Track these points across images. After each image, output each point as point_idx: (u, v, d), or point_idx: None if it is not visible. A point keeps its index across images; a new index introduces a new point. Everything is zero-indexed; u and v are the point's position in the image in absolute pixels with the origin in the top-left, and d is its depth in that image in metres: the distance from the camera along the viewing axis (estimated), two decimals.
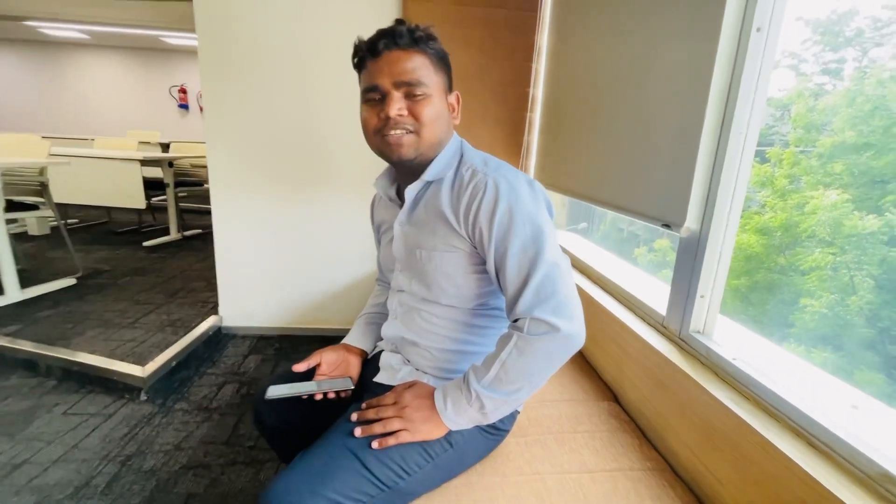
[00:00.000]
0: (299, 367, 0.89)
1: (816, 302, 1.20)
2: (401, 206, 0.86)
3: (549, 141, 1.92)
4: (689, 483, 0.85)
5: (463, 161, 0.81)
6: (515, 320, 0.71)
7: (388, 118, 0.74)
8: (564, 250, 1.77)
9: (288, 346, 2.24)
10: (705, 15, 0.89)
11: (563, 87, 1.76)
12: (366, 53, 0.77)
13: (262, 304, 2.32)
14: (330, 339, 2.33)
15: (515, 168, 0.80)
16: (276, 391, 0.83)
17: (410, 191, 0.82)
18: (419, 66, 0.74)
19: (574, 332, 0.69)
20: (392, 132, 0.75)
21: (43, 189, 2.65)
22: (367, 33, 0.79)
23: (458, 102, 0.85)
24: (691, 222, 0.94)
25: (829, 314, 1.17)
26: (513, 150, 2.13)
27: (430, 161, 0.81)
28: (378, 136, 0.77)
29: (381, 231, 0.98)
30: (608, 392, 1.18)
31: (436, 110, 0.76)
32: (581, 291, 1.38)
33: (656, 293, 1.18)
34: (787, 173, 1.33)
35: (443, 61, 0.80)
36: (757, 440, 0.69)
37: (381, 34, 0.75)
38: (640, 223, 1.69)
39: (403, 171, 0.85)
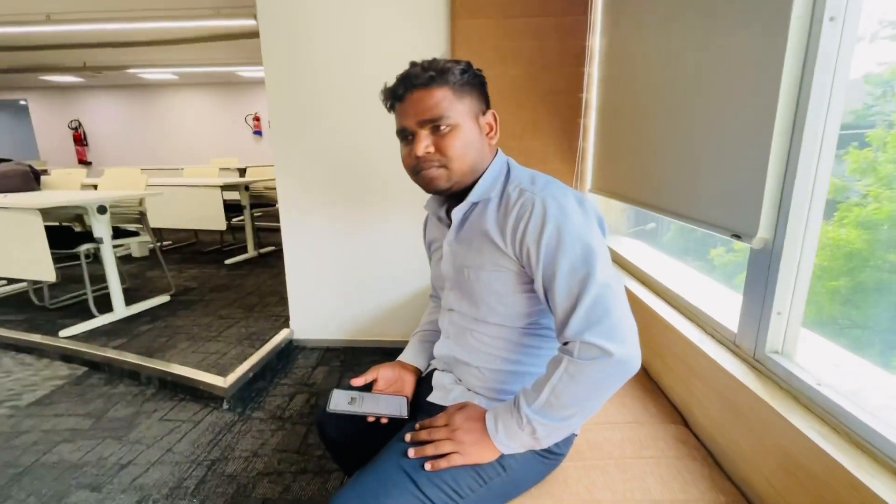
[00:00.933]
0: (357, 382, 0.93)
1: None
2: (449, 225, 0.87)
3: (606, 146, 1.85)
4: None
5: (510, 180, 0.81)
6: (566, 343, 0.70)
7: (418, 157, 0.77)
8: (621, 264, 1.71)
9: (351, 358, 2.34)
10: (771, 5, 0.82)
11: (618, 89, 1.69)
12: (392, 99, 0.80)
13: (328, 318, 2.44)
14: (389, 350, 2.42)
15: (565, 184, 0.78)
16: (336, 404, 0.87)
17: (457, 212, 0.83)
18: (440, 100, 0.75)
19: (628, 356, 0.66)
20: (424, 171, 0.79)
21: (142, 217, 3.01)
22: (418, 53, 0.85)
23: (496, 120, 0.84)
24: (764, 231, 0.86)
25: None
26: (567, 157, 2.09)
27: (472, 183, 0.82)
28: (413, 173, 0.82)
29: (431, 249, 1.01)
30: (676, 414, 1.10)
31: (464, 140, 0.77)
32: (643, 305, 1.31)
33: (727, 307, 1.09)
34: (893, 157, 1.18)
35: (469, 85, 0.78)
36: (847, 479, 0.62)
37: (401, 79, 0.78)
38: None
39: (449, 195, 0.87)
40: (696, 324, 1.14)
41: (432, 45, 2.06)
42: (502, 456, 0.76)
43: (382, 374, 0.95)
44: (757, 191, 0.86)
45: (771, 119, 0.82)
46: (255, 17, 4.05)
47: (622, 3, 1.63)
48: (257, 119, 8.34)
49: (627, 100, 1.58)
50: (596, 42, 1.94)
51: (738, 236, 0.94)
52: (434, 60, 0.78)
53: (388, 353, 2.38)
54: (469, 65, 0.80)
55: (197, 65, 6.48)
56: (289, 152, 2.23)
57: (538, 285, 0.74)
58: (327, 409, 0.87)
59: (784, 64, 0.79)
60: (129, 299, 2.85)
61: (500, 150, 0.86)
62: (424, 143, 0.76)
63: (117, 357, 2.20)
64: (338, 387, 0.93)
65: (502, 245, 0.76)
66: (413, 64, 0.78)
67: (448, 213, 0.89)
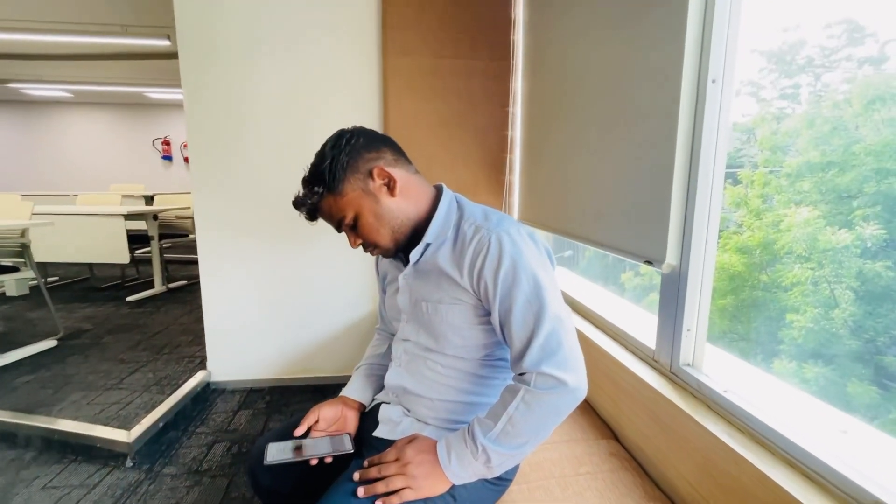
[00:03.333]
0: (299, 431, 0.88)
1: (801, 317, 1.22)
2: (405, 263, 0.88)
3: (530, 179, 1.99)
4: None
5: (464, 217, 0.83)
6: (521, 374, 0.73)
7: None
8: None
9: (279, 398, 2.18)
10: (667, 67, 0.97)
11: (539, 128, 1.85)
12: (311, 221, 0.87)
13: (251, 356, 2.27)
14: (320, 387, 2.30)
15: (515, 220, 0.83)
16: (274, 455, 0.82)
17: (415, 253, 0.85)
18: (329, 209, 0.82)
19: (579, 384, 0.71)
20: (370, 254, 0.89)
21: (24, 250, 2.62)
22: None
23: (386, 173, 0.80)
24: (671, 258, 0.98)
25: (816, 328, 1.19)
26: (495, 188, 2.20)
27: (421, 225, 0.84)
28: None
29: (386, 282, 1.00)
30: (607, 429, 1.18)
31: (369, 220, 0.81)
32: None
33: (645, 326, 1.21)
34: (759, 193, 1.37)
35: (340, 173, 0.78)
36: (754, 473, 0.70)
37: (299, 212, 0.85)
38: None
39: None
40: (619, 342, 1.25)
41: (365, 80, 2.10)
42: (453, 487, 0.76)
43: (323, 414, 0.91)
44: (663, 222, 0.98)
45: (671, 159, 0.95)
46: (168, 37, 3.85)
47: (541, 52, 1.81)
48: (167, 143, 7.74)
49: (548, 138, 1.73)
50: (518, 84, 2.11)
51: (650, 262, 1.05)
52: (304, 182, 0.83)
53: (319, 390, 2.26)
54: (333, 150, 0.79)
55: (96, 83, 5.90)
56: (208, 178, 2.10)
57: (494, 318, 0.77)
58: (264, 462, 0.81)
59: (679, 115, 0.93)
60: (4, 346, 2.42)
61: (444, 186, 0.89)
62: (351, 239, 0.85)
63: None
64: (268, 440, 0.87)
65: (459, 279, 0.79)
66: (294, 202, 0.84)
67: (403, 251, 0.90)
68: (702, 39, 0.89)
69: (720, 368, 0.95)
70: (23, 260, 2.65)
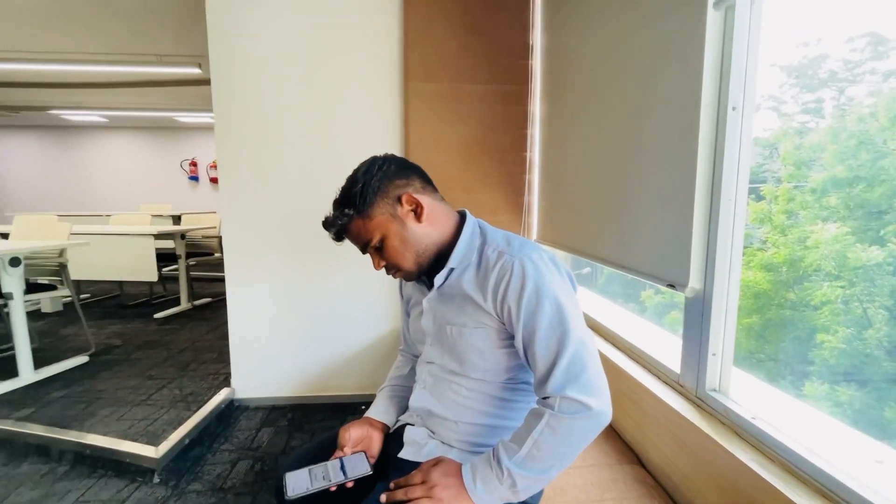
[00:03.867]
0: (343, 452, 0.90)
1: (833, 337, 1.19)
2: (429, 286, 0.91)
3: (549, 201, 2.01)
4: None
5: (487, 242, 0.86)
6: (545, 397, 0.74)
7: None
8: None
9: (300, 416, 2.21)
10: (685, 95, 0.98)
11: (557, 150, 1.87)
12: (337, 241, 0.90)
13: (275, 374, 2.31)
14: (340, 406, 2.32)
15: (537, 245, 0.85)
16: (294, 488, 0.82)
17: (439, 278, 0.87)
18: (357, 231, 0.85)
19: (604, 409, 0.71)
20: (393, 276, 0.90)
21: (61, 269, 2.74)
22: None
23: (414, 200, 0.83)
24: (695, 282, 0.98)
25: (848, 349, 1.16)
26: (515, 209, 2.23)
27: (445, 250, 0.87)
28: None
29: (409, 305, 1.02)
30: (630, 454, 1.16)
31: (395, 244, 0.84)
32: None
33: (669, 349, 1.20)
34: (783, 209, 1.35)
35: (371, 197, 0.82)
36: (785, 503, 0.69)
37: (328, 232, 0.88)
38: None
39: None
40: (642, 365, 1.24)
41: (387, 105, 2.17)
42: None
43: (351, 434, 0.93)
44: (685, 245, 0.99)
45: (692, 184, 0.97)
46: (199, 65, 4.05)
47: (559, 76, 1.85)
48: (194, 164, 8.04)
49: (566, 160, 1.76)
50: (536, 107, 2.15)
51: (672, 286, 1.06)
52: (335, 204, 0.86)
53: (339, 408, 2.27)
54: (365, 175, 0.83)
55: (131, 108, 6.21)
56: (236, 199, 2.18)
57: (518, 342, 0.78)
58: (286, 496, 0.81)
59: (698, 142, 0.95)
60: (39, 362, 2.52)
61: (467, 212, 0.92)
62: (375, 261, 0.88)
63: (20, 430, 1.92)
64: (290, 466, 0.88)
65: (483, 303, 0.81)
66: (324, 223, 0.87)
67: (427, 275, 0.92)
68: (720, 68, 0.91)
69: (747, 393, 0.94)
70: (60, 278, 2.77)
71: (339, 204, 0.85)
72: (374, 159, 0.86)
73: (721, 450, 0.83)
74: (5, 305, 2.35)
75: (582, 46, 1.60)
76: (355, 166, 0.88)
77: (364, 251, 0.88)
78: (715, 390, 0.96)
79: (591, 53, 1.52)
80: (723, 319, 0.96)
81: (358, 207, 0.82)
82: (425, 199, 0.85)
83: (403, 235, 0.84)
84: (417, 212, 0.84)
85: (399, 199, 0.84)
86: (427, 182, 0.88)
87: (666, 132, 1.07)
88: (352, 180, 0.85)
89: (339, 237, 0.88)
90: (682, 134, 1.00)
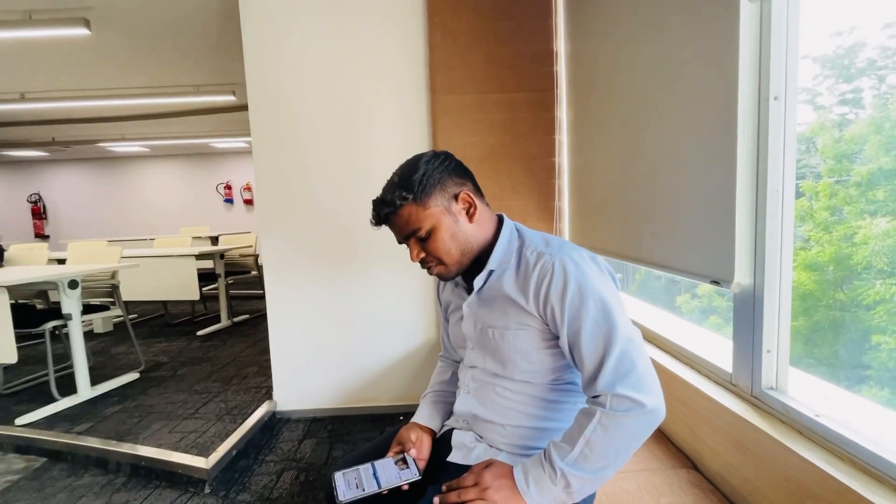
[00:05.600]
0: (396, 454, 0.91)
1: (891, 339, 1.13)
2: (468, 290, 0.92)
3: (581, 204, 2.00)
4: None
5: (526, 244, 0.86)
6: (595, 396, 0.73)
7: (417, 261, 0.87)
8: None
9: (340, 427, 2.24)
10: (722, 87, 0.97)
11: (587, 153, 1.86)
12: (377, 226, 0.89)
13: (314, 386, 2.36)
14: (379, 416, 2.34)
15: (575, 245, 0.85)
16: (345, 493, 0.82)
17: (478, 281, 0.88)
18: (408, 218, 0.83)
19: (657, 405, 0.70)
20: (429, 271, 0.88)
21: (114, 290, 2.90)
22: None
23: (470, 199, 0.85)
24: (741, 277, 0.96)
25: None
26: (545, 215, 2.22)
27: (483, 252, 0.87)
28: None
29: (449, 311, 1.02)
30: (684, 458, 1.12)
31: (444, 237, 0.84)
32: None
33: (717, 348, 1.16)
34: (825, 205, 1.30)
35: (430, 187, 0.82)
36: (859, 502, 0.66)
37: (373, 213, 0.87)
38: None
39: None
40: (690, 366, 1.20)
41: (415, 119, 2.22)
42: None
43: (404, 437, 0.94)
44: (728, 240, 0.96)
45: (732, 177, 0.94)
46: (233, 92, 4.26)
47: (586, 80, 1.85)
48: (229, 188, 8.38)
49: (598, 162, 1.74)
50: (563, 113, 2.16)
51: (717, 282, 1.03)
52: (392, 186, 0.85)
53: (377, 419, 2.29)
54: (427, 164, 0.83)
55: (170, 137, 6.57)
56: (273, 218, 2.27)
57: (563, 342, 0.78)
58: (337, 501, 0.81)
59: (738, 133, 0.93)
60: (94, 379, 2.66)
61: (505, 216, 0.93)
62: (415, 252, 0.86)
63: (80, 443, 2.02)
64: (340, 466, 0.89)
65: (525, 305, 0.81)
66: (373, 203, 0.86)
67: (465, 278, 0.94)
68: (759, 56, 0.90)
69: (807, 391, 0.90)
70: (112, 300, 2.93)
71: (398, 186, 0.83)
72: (436, 152, 0.88)
73: (784, 450, 0.80)
74: (64, 326, 2.50)
75: (607, 48, 1.60)
76: (387, 177, 0.87)
77: (405, 241, 0.86)
78: (772, 388, 0.93)
79: (617, 54, 1.52)
80: (776, 314, 0.92)
81: (416, 194, 0.82)
82: (477, 201, 0.87)
83: (454, 230, 0.84)
84: (470, 211, 0.86)
85: (456, 196, 0.85)
86: (477, 187, 0.90)
87: (701, 126, 1.06)
88: (412, 167, 0.84)
89: (385, 220, 0.86)
90: (719, 127, 0.98)
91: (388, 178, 0.88)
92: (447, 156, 0.88)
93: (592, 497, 0.88)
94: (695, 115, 1.08)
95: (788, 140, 0.89)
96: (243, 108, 2.27)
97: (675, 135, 1.17)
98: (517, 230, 0.91)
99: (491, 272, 0.88)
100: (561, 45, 2.14)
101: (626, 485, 1.01)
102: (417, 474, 0.87)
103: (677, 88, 1.15)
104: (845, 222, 1.23)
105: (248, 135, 2.26)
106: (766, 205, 0.91)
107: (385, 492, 0.84)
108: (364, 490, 0.83)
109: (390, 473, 0.87)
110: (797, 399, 0.88)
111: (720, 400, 0.99)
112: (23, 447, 2.10)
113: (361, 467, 0.88)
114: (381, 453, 0.93)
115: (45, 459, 2.04)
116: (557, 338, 0.80)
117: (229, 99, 4.34)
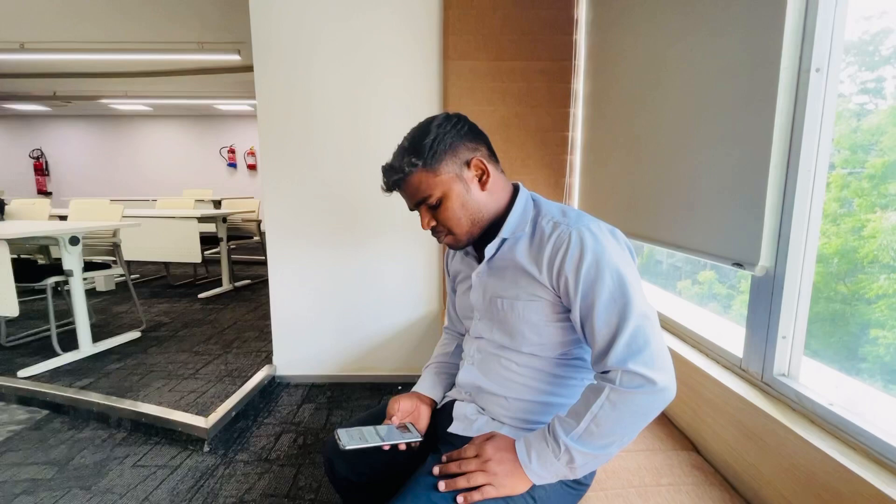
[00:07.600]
0: (394, 420, 0.90)
1: (890, 333, 1.12)
2: (478, 259, 0.88)
3: (592, 181, 1.94)
4: None
5: (542, 213, 0.83)
6: (605, 372, 0.71)
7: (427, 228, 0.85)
8: None
9: (339, 394, 2.25)
10: (761, 56, 0.91)
11: (603, 128, 1.80)
12: (387, 192, 0.86)
13: (314, 353, 2.36)
14: (378, 385, 2.35)
15: (594, 217, 0.81)
16: (348, 441, 0.82)
17: (490, 248, 0.84)
18: (418, 184, 0.80)
19: (668, 384, 0.67)
20: (438, 239, 0.87)
21: (115, 248, 2.88)
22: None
23: (483, 166, 0.82)
24: (765, 260, 0.92)
25: None
26: (555, 192, 2.16)
27: (496, 221, 0.84)
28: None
29: (457, 280, 0.99)
30: (686, 441, 1.12)
31: (454, 205, 0.81)
32: None
33: (727, 333, 1.14)
34: (836, 196, 1.27)
35: (441, 153, 0.79)
36: (872, 494, 0.64)
37: (384, 179, 0.84)
38: (680, 255, 1.65)
39: None
40: (697, 349, 1.18)
41: (426, 85, 2.14)
42: (532, 487, 0.75)
43: (402, 405, 0.93)
44: (757, 221, 0.92)
45: (766, 155, 0.89)
46: (238, 52, 4.13)
47: (607, 50, 1.76)
48: (232, 151, 8.28)
49: (614, 138, 1.68)
50: (580, 85, 2.07)
51: (739, 265, 0.99)
52: (402, 151, 0.81)
53: (376, 388, 2.31)
54: (439, 128, 0.79)
55: (173, 97, 6.43)
56: (277, 183, 2.22)
57: (575, 315, 0.75)
58: (341, 447, 0.81)
59: (776, 108, 0.87)
60: (96, 336, 2.68)
61: (521, 185, 0.89)
62: (426, 219, 0.84)
63: (83, 398, 2.04)
64: (339, 425, 0.89)
65: (538, 275, 0.78)
66: (382, 169, 0.83)
67: (476, 247, 0.90)
68: (804, 24, 0.83)
69: (819, 380, 0.88)
70: (114, 258, 2.92)
71: (408, 152, 0.80)
72: (448, 115, 0.83)
73: (795, 437, 0.78)
74: (66, 282, 2.49)
75: (631, 18, 1.51)
76: (393, 147, 0.84)
77: (415, 207, 0.84)
78: (784, 375, 0.91)
79: (641, 25, 1.44)
80: (795, 300, 0.89)
81: (426, 160, 0.79)
82: (490, 168, 0.82)
83: (465, 199, 0.81)
84: (482, 179, 0.82)
85: (468, 162, 0.81)
86: (492, 152, 0.86)
87: (735, 99, 1.00)
88: (423, 130, 0.80)
89: (396, 186, 0.83)
90: (755, 101, 0.92)
91: (399, 142, 0.84)
92: (460, 118, 0.83)
93: (593, 474, 0.87)
94: (730, 87, 1.01)
95: (826, 117, 0.83)
96: (248, 68, 2.18)
97: (703, 110, 1.11)
98: (533, 199, 0.87)
99: (504, 241, 0.84)
100: (582, 12, 2.04)
101: (626, 464, 1.00)
102: (419, 436, 0.86)
103: (708, 59, 1.08)
104: (854, 215, 1.20)
105: (253, 97, 2.19)
106: (797, 186, 0.86)
107: (387, 447, 0.84)
108: (367, 442, 0.83)
109: (392, 433, 0.87)
110: (808, 387, 0.85)
111: (728, 384, 0.97)
112: (25, 398, 2.13)
113: (364, 427, 0.88)
114: (378, 421, 0.92)
115: (47, 412, 2.06)
116: (569, 311, 0.77)
117: (234, 58, 4.21)
